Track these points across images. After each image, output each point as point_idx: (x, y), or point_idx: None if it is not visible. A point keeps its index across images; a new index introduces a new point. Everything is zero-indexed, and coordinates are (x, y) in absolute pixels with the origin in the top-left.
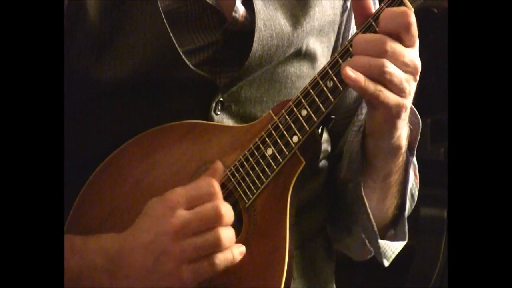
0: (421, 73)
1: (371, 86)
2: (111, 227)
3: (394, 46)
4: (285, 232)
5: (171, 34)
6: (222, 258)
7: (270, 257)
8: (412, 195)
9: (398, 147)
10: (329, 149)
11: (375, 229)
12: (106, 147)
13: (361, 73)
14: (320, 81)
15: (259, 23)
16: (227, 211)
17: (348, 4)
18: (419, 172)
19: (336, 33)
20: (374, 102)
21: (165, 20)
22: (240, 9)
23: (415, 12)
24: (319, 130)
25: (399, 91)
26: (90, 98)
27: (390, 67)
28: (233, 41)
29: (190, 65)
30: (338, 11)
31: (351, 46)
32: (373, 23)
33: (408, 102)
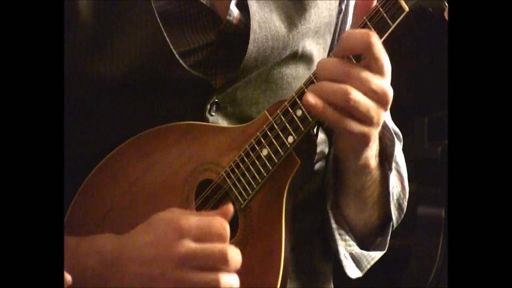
0: (418, 72)
1: (331, 113)
2: (109, 226)
3: (359, 70)
4: (281, 233)
5: (165, 35)
6: None
7: (266, 257)
8: (399, 205)
9: (365, 166)
10: (326, 149)
11: (337, 242)
12: (101, 145)
13: (326, 99)
14: (315, 80)
15: (254, 25)
16: (235, 257)
17: (343, 6)
18: (416, 170)
19: (332, 34)
20: (337, 129)
21: (159, 21)
22: (234, 12)
23: (411, 12)
24: (315, 130)
25: (365, 120)
26: (85, 97)
27: (355, 94)
28: (228, 42)
29: (185, 66)
30: (334, 12)
31: None
32: (368, 23)
33: (376, 131)
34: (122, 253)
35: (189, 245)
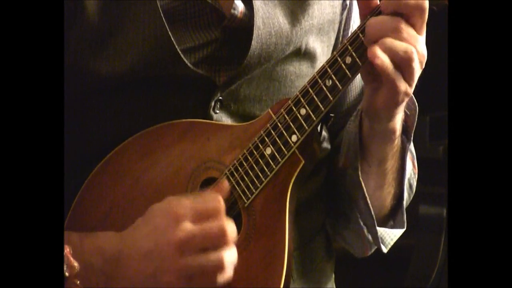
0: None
1: (393, 70)
2: (111, 225)
3: (410, 30)
4: (284, 232)
5: (169, 32)
6: (221, 280)
7: (269, 256)
8: (410, 185)
9: (393, 131)
10: (329, 147)
11: (372, 213)
12: (104, 144)
13: (389, 55)
14: (319, 79)
15: (258, 21)
16: (232, 230)
17: (348, 2)
18: (418, 170)
19: (336, 32)
20: (388, 85)
21: (163, 18)
22: (239, 6)
23: None
24: (318, 129)
25: (410, 79)
26: (88, 94)
27: (416, 57)
28: (232, 39)
29: (189, 64)
30: (338, 9)
31: (350, 44)
32: None
33: (412, 90)
34: (123, 249)
35: (187, 228)
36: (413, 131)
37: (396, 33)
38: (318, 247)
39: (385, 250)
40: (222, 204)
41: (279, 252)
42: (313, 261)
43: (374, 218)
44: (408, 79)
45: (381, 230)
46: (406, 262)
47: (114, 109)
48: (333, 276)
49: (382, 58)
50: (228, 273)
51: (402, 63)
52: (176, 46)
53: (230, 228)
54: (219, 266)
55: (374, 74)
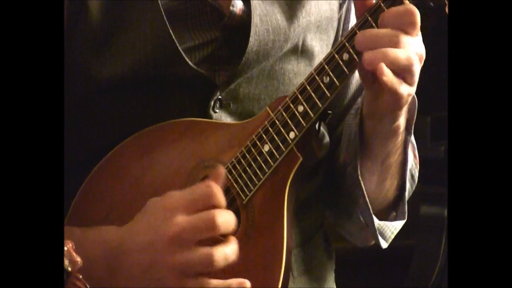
0: (420, 70)
1: (395, 80)
2: (112, 224)
3: (405, 37)
4: (282, 229)
5: (171, 32)
6: (212, 277)
7: (268, 254)
8: (412, 176)
9: (397, 128)
10: (328, 147)
11: (371, 211)
12: (104, 144)
13: (390, 65)
14: (316, 76)
15: (255, 18)
16: (225, 219)
17: None
18: (419, 170)
19: (335, 30)
20: (390, 93)
21: (165, 18)
22: (238, 4)
23: None
24: (317, 126)
25: (412, 82)
26: (90, 95)
27: (416, 62)
28: (232, 38)
29: (190, 63)
30: (335, 7)
31: (347, 41)
32: (369, 18)
33: (414, 88)
34: (123, 242)
35: (179, 221)
36: (413, 123)
37: (395, 45)
38: (317, 246)
39: (385, 245)
40: (213, 190)
41: (278, 249)
42: (313, 260)
43: (373, 216)
44: (409, 82)
45: (381, 224)
46: (406, 262)
47: (115, 108)
48: (333, 275)
49: (388, 75)
50: (219, 268)
51: (405, 71)
52: (178, 45)
53: (224, 218)
54: (208, 262)
55: (374, 75)
